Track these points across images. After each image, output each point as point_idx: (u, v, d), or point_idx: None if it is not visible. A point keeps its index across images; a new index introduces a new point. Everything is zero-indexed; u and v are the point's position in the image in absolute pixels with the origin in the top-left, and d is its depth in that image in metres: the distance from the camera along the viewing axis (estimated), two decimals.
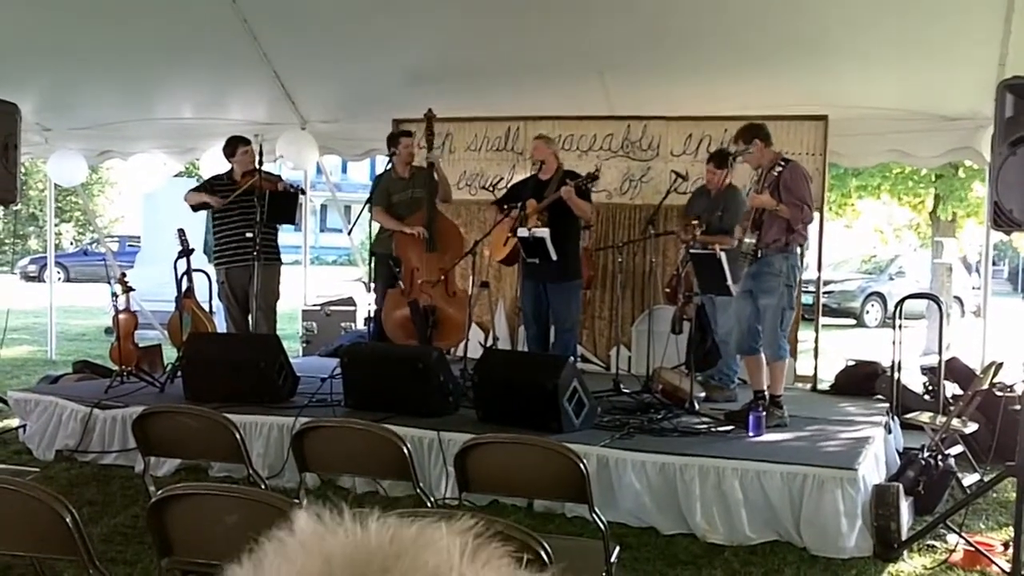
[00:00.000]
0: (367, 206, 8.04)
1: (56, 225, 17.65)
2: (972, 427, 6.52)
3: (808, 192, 6.42)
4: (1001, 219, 4.64)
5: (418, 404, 6.30)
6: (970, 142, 8.32)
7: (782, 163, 6.38)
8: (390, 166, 8.23)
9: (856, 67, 7.79)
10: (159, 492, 2.89)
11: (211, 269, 8.76)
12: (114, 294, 8.09)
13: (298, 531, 0.72)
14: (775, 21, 7.41)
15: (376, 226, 8.19)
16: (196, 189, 8.44)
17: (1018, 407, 6.51)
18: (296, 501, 3.45)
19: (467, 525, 0.73)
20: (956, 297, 16.91)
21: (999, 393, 7.06)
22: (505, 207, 7.66)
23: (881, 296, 20.47)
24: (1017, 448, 4.71)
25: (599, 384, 7.32)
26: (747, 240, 6.40)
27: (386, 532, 0.71)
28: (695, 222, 7.21)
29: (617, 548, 3.65)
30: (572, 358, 6.84)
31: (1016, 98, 4.64)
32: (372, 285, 8.19)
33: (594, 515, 3.62)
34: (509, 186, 8.48)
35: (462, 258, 7.76)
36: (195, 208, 8.46)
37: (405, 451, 3.82)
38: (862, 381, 8.27)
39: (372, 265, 8.11)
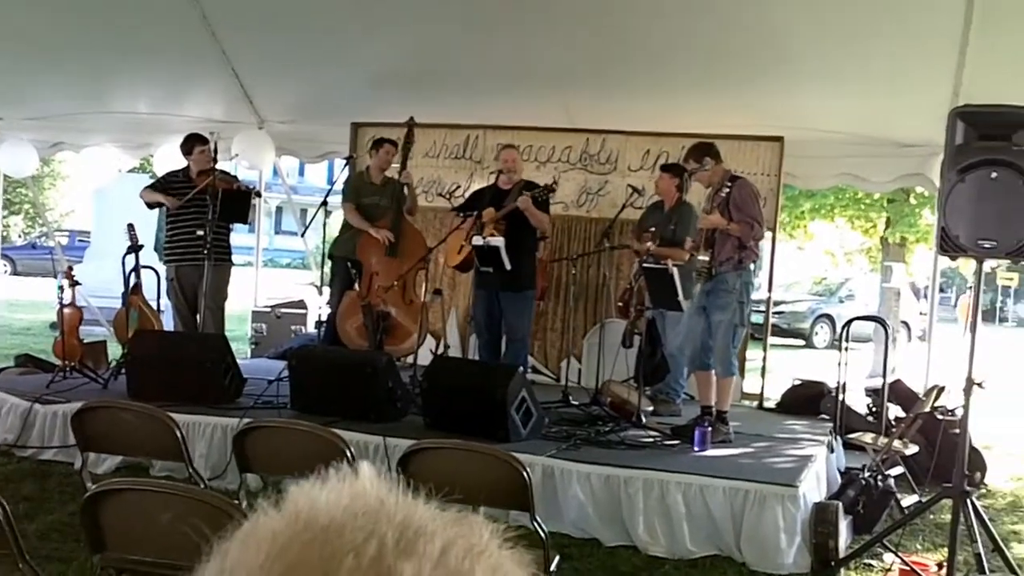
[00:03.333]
0: (322, 208, 7.98)
1: (4, 217, 17.34)
2: (912, 449, 6.61)
3: (758, 209, 6.50)
4: (947, 244, 4.72)
5: (365, 409, 6.26)
6: (922, 169, 8.46)
7: (729, 183, 6.44)
8: (366, 168, 8.35)
9: (814, 90, 7.89)
10: (94, 487, 2.84)
11: (160, 266, 8.65)
12: (60, 288, 7.96)
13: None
14: (736, 43, 7.48)
15: (333, 229, 8.13)
16: (151, 187, 8.33)
17: (957, 431, 6.61)
18: (236, 502, 3.40)
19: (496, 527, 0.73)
20: (903, 322, 17.12)
21: (940, 416, 7.15)
22: (463, 215, 7.66)
23: (830, 318, 20.70)
24: (954, 471, 4.78)
25: (548, 395, 7.33)
26: (700, 258, 6.46)
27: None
28: (651, 231, 7.27)
29: (557, 558, 3.66)
30: (522, 368, 6.84)
31: (967, 126, 4.73)
32: (326, 288, 8.14)
33: (535, 523, 3.62)
34: (469, 194, 8.47)
35: (416, 265, 7.71)
36: (150, 206, 8.37)
37: (348, 455, 3.79)
38: (807, 400, 8.35)
39: (330, 268, 8.06)
